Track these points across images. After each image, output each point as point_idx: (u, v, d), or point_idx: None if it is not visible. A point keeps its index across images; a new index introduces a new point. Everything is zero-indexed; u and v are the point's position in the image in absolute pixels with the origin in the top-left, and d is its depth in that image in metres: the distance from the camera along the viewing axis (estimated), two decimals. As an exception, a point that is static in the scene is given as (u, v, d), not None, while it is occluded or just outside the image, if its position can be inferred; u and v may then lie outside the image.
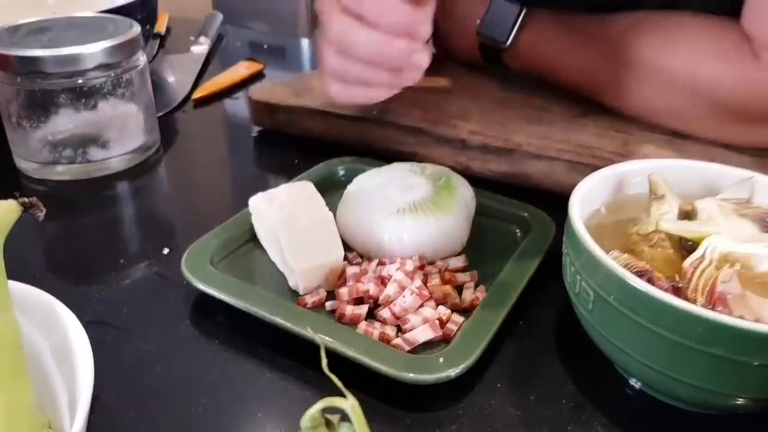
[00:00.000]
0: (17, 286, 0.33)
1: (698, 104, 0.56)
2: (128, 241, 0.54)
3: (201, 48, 0.91)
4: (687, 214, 0.41)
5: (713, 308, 0.33)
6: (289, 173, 0.57)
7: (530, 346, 0.41)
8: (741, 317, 0.32)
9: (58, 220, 0.55)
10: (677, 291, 0.35)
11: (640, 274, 0.34)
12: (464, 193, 0.49)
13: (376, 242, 0.46)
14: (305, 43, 1.10)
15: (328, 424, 0.25)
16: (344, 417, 0.25)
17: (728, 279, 0.34)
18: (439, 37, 0.71)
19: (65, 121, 0.60)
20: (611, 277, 0.33)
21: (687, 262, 0.36)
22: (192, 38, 0.95)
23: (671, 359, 0.33)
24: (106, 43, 0.58)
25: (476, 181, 0.53)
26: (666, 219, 0.39)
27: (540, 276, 0.44)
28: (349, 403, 0.24)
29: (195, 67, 0.86)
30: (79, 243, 0.53)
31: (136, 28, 0.61)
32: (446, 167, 0.52)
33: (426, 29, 0.51)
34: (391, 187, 0.48)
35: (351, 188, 0.50)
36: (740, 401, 0.34)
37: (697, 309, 0.31)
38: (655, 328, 0.32)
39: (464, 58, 0.72)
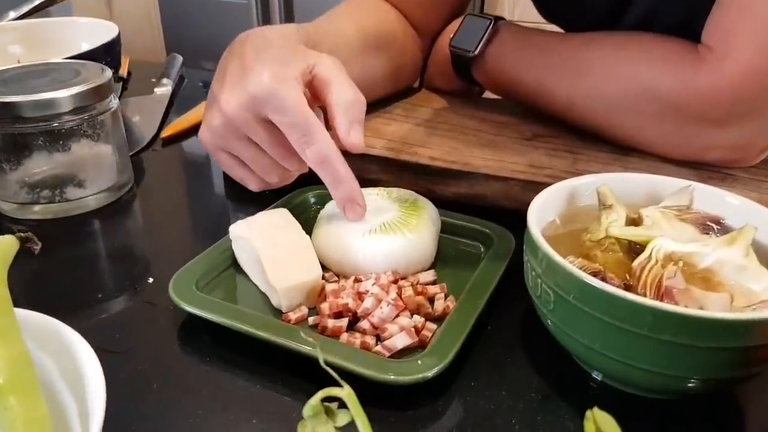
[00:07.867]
0: (23, 313, 0.35)
1: (640, 107, 0.60)
2: (113, 273, 0.56)
3: (164, 89, 0.94)
4: (633, 221, 0.45)
5: (661, 301, 0.37)
6: (259, 203, 0.59)
7: (499, 347, 0.44)
8: (686, 307, 0.36)
9: (41, 257, 0.57)
10: (628, 288, 0.39)
11: (594, 274, 0.38)
12: (430, 213, 0.53)
13: (351, 261, 0.49)
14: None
15: (328, 411, 0.28)
16: (341, 405, 0.28)
17: (673, 275, 0.38)
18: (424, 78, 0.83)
19: (42, 163, 0.62)
20: (570, 279, 0.37)
21: (636, 263, 0.40)
22: (154, 80, 0.98)
23: (626, 348, 0.36)
24: (80, 88, 0.60)
25: (438, 202, 0.56)
26: (615, 226, 0.43)
27: (504, 284, 0.48)
28: (345, 392, 0.27)
29: (160, 108, 0.89)
30: (65, 278, 0.54)
31: (108, 73, 0.64)
32: (410, 190, 0.56)
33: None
34: (362, 210, 0.51)
35: (324, 212, 0.54)
36: (691, 384, 0.37)
37: (647, 300, 0.35)
38: (611, 321, 0.36)
39: (444, 87, 0.81)
